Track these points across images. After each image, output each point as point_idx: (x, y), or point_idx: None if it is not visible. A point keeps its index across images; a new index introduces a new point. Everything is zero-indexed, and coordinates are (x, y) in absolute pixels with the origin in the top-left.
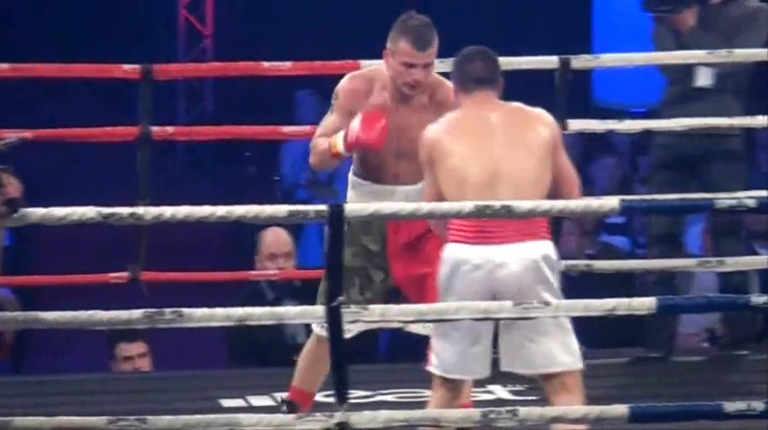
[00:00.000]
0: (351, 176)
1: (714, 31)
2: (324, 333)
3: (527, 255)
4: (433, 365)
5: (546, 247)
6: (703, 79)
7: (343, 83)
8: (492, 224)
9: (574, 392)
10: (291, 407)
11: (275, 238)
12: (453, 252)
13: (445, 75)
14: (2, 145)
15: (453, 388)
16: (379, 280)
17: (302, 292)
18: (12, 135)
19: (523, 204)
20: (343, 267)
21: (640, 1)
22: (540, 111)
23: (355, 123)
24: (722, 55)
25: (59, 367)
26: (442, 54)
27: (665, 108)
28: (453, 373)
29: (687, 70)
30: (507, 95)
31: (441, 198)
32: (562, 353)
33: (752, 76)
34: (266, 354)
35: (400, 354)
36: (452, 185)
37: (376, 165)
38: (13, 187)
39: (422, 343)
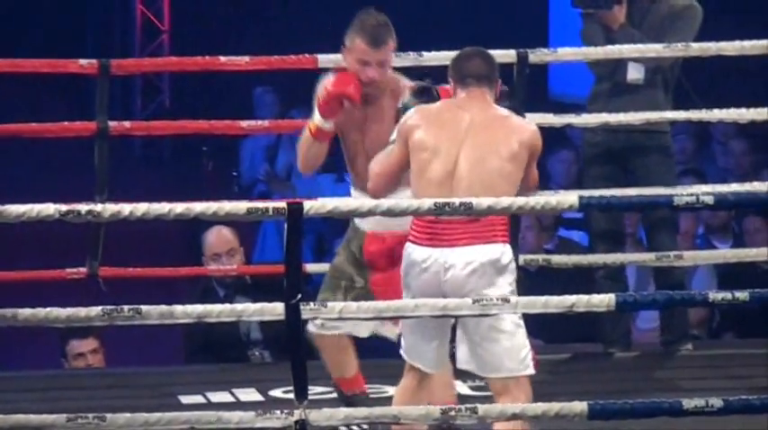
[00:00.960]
0: (351, 190)
1: (643, 27)
2: (315, 329)
3: (474, 259)
4: (402, 348)
5: (495, 251)
6: (634, 74)
7: (321, 82)
8: (443, 226)
9: (516, 395)
10: (350, 397)
11: (217, 238)
12: (407, 252)
13: (402, 70)
14: None
15: (417, 376)
16: (359, 286)
17: (253, 288)
18: None
19: (483, 202)
20: (336, 269)
21: None
22: (522, 123)
23: (326, 83)
24: (679, 49)
25: (7, 365)
26: (402, 49)
27: (594, 103)
28: (411, 359)
29: (616, 66)
30: None
31: (399, 170)
32: (507, 358)
33: (678, 71)
34: (223, 350)
35: (361, 351)
36: (414, 176)
37: (359, 171)
38: None
39: (383, 339)
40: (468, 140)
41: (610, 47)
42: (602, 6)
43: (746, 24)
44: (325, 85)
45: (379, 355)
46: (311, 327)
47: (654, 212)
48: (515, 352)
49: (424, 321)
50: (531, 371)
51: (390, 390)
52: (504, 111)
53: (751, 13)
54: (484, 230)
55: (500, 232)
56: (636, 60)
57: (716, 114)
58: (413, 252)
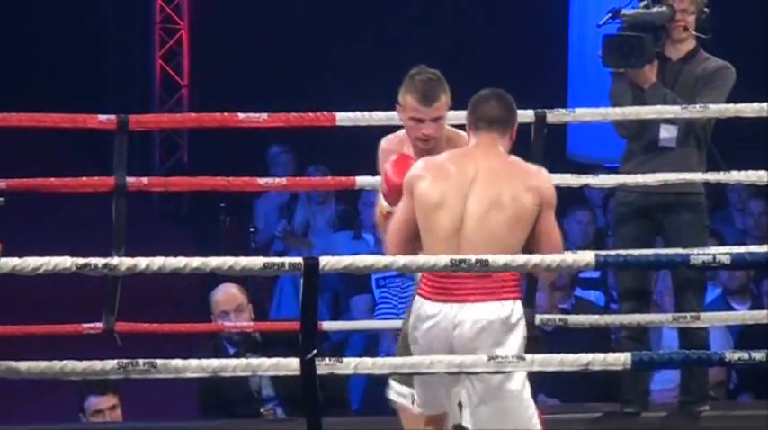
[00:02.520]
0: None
1: (675, 88)
2: (400, 400)
3: (483, 316)
4: (417, 404)
5: (506, 308)
6: (666, 135)
7: (380, 144)
8: (453, 281)
9: None
10: None
11: (225, 296)
12: (417, 305)
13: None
14: None
15: (438, 423)
16: None
17: (263, 346)
18: None
19: (499, 259)
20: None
21: (600, 57)
22: (532, 171)
23: (387, 170)
24: (696, 110)
25: (24, 418)
26: None
27: (627, 163)
28: (432, 409)
29: (646, 126)
30: None
31: (407, 225)
32: (514, 418)
33: (711, 132)
34: (235, 406)
35: (372, 407)
36: (422, 231)
37: None
38: None
39: None
40: (474, 193)
41: (628, 108)
42: (634, 65)
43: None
44: (387, 172)
45: (386, 412)
46: (395, 398)
47: (682, 273)
48: (522, 411)
49: (431, 396)
50: None
51: None
52: (512, 158)
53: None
54: (495, 287)
55: (511, 289)
56: (669, 121)
57: (734, 176)
58: (422, 306)
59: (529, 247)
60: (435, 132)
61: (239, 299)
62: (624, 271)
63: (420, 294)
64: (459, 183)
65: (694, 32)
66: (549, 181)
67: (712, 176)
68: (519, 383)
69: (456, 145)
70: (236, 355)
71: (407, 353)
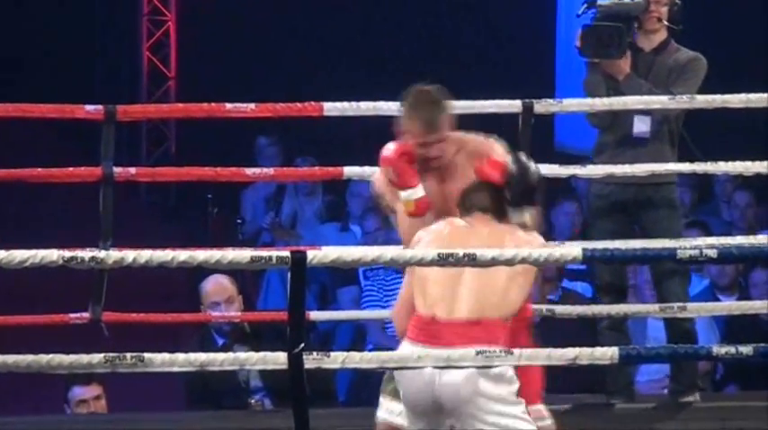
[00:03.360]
0: None
1: (648, 79)
2: (386, 416)
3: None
4: None
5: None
6: (641, 127)
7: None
8: (442, 326)
9: None
10: None
11: (215, 286)
12: (402, 349)
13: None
14: None
15: None
16: None
17: (251, 337)
18: None
19: (487, 253)
20: None
21: (576, 47)
22: (529, 239)
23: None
24: (684, 101)
25: (9, 410)
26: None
27: (599, 155)
28: None
29: (619, 118)
30: None
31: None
32: None
33: (681, 124)
34: (222, 398)
35: (359, 398)
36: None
37: None
38: None
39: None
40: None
41: (615, 98)
42: (613, 56)
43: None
44: (385, 158)
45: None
46: (381, 414)
47: (663, 264)
48: None
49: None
50: None
51: None
52: (510, 227)
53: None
54: (484, 334)
55: (501, 337)
56: (643, 112)
57: (721, 167)
58: (408, 349)
59: None
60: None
61: (230, 289)
62: (605, 265)
63: (407, 337)
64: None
65: (666, 23)
66: (541, 246)
67: (700, 167)
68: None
69: (468, 146)
70: (225, 346)
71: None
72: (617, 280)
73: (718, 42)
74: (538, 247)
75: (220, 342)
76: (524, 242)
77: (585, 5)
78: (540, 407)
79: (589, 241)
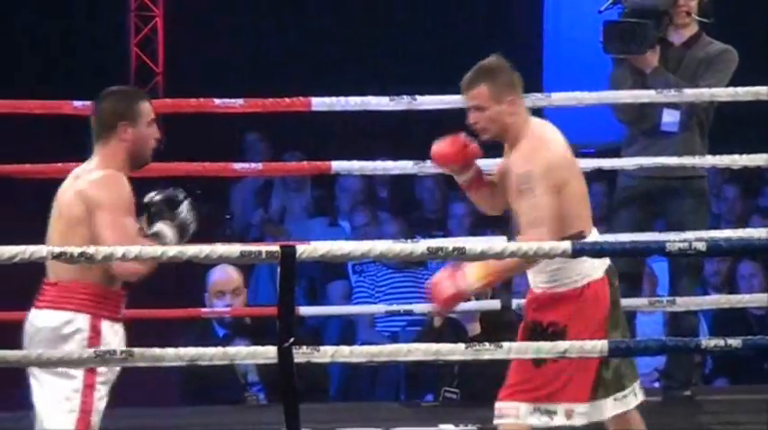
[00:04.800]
0: None
1: (677, 72)
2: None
3: (36, 323)
4: None
5: (56, 319)
6: (669, 119)
7: None
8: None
9: None
10: None
11: (223, 276)
12: None
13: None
14: None
15: None
16: None
17: (252, 330)
18: None
19: (477, 247)
20: None
21: (601, 43)
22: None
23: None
24: (672, 95)
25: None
26: (397, 92)
27: (629, 148)
28: None
29: (646, 111)
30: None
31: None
32: None
33: (712, 116)
34: (220, 392)
35: (351, 393)
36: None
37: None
38: None
39: (372, 381)
40: None
41: (606, 92)
42: (635, 52)
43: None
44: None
45: (364, 398)
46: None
47: (679, 259)
48: None
49: None
50: None
51: None
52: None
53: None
54: (56, 296)
55: (73, 299)
56: (671, 105)
57: (709, 160)
58: None
59: None
60: (477, 120)
61: (237, 281)
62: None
63: None
64: None
65: (697, 17)
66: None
67: (688, 160)
68: None
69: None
70: (226, 338)
71: None
72: (632, 269)
73: (752, 35)
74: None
75: (221, 333)
76: None
77: (611, 1)
78: (500, 405)
79: (612, 233)
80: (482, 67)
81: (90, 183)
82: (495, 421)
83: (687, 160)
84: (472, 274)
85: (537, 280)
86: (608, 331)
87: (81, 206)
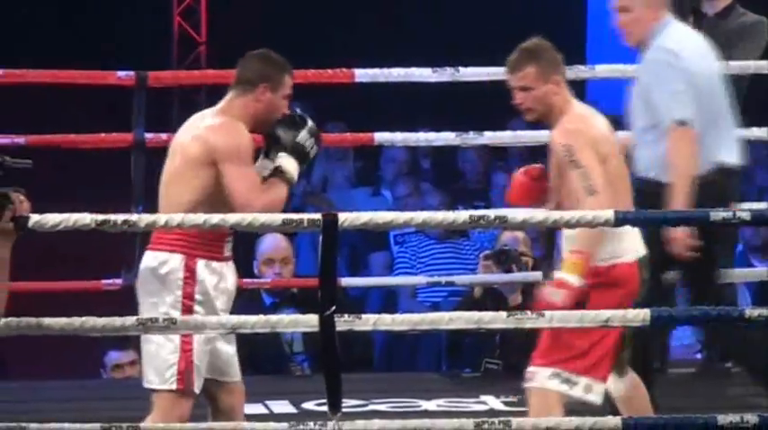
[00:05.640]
0: None
1: (711, 42)
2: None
3: (143, 264)
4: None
5: (155, 259)
6: None
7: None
8: None
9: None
10: None
11: (273, 244)
12: None
13: (440, 85)
14: (9, 162)
15: None
16: None
17: (300, 299)
18: (2, 141)
19: (518, 215)
20: None
21: None
22: None
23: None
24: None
25: (48, 375)
26: (440, 64)
27: None
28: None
29: None
30: (503, 106)
31: None
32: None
33: (746, 88)
34: (265, 362)
35: (395, 363)
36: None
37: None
38: (22, 204)
39: (416, 351)
40: None
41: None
42: None
43: None
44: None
45: (408, 368)
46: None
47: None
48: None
49: None
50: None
51: (420, 402)
52: None
53: None
54: (155, 236)
55: (168, 240)
56: None
57: (755, 132)
58: None
59: None
60: (522, 100)
61: (286, 250)
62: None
63: None
64: None
65: None
66: None
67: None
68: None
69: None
70: (274, 306)
71: None
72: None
73: None
74: None
75: (269, 301)
76: None
77: None
78: (532, 369)
79: None
80: (527, 48)
81: (208, 128)
82: (525, 384)
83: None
84: (570, 276)
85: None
86: None
87: (199, 148)
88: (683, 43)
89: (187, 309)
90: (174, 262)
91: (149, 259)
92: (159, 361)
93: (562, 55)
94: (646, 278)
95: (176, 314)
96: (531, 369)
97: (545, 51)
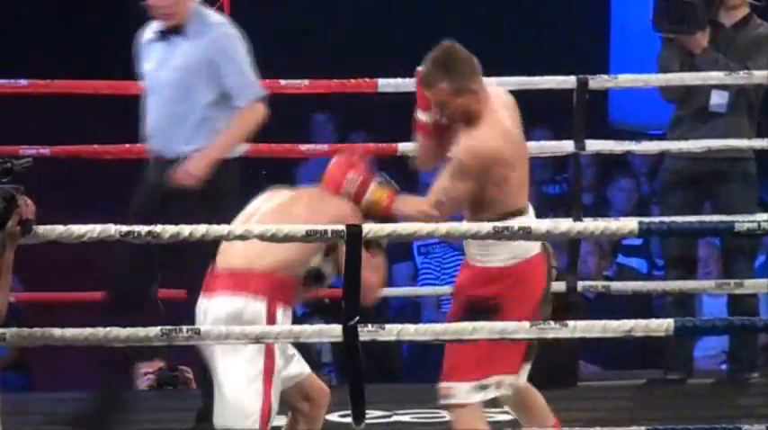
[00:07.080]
0: None
1: (727, 54)
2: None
3: (218, 309)
4: None
5: (234, 304)
6: (717, 100)
7: None
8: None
9: None
10: None
11: None
12: None
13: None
14: (17, 165)
15: None
16: None
17: (330, 309)
18: (28, 152)
19: (542, 226)
20: None
21: (652, 21)
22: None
23: None
24: (738, 77)
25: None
26: None
27: (675, 130)
28: None
29: (694, 92)
30: (526, 115)
31: None
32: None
33: (763, 98)
34: None
35: (419, 374)
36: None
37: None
38: (28, 208)
39: (439, 363)
40: None
41: (672, 74)
42: (686, 31)
43: None
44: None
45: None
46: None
47: (732, 240)
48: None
49: None
50: None
51: (443, 414)
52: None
53: None
54: (234, 282)
55: (255, 284)
56: (720, 86)
57: (756, 143)
58: None
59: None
60: (440, 115)
61: None
62: (670, 239)
63: None
64: None
65: None
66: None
67: (757, 143)
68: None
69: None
70: (305, 316)
71: None
72: (686, 252)
73: None
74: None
75: (300, 312)
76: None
77: None
78: (448, 385)
79: (651, 217)
80: (438, 61)
81: None
82: (441, 401)
83: (737, 142)
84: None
85: (472, 252)
86: (540, 306)
87: None
88: None
89: (270, 355)
90: (256, 307)
91: (226, 304)
92: (238, 406)
93: (477, 59)
94: (553, 264)
95: (260, 360)
96: (446, 384)
97: (456, 62)
